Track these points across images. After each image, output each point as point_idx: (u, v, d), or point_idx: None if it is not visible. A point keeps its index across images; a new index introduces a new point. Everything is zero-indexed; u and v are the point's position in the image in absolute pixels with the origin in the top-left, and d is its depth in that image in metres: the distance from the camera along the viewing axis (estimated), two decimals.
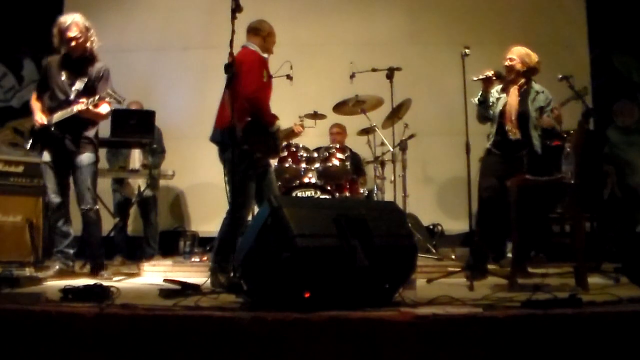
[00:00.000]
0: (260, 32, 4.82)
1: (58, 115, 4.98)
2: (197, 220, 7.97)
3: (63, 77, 5.07)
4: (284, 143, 6.44)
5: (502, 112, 5.00)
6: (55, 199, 5.07)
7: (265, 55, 4.83)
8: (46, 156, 5.07)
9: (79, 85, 5.05)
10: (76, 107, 4.93)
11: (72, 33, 5.00)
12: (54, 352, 2.91)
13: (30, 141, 5.08)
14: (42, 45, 8.19)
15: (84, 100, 4.94)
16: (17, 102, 8.23)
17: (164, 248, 7.13)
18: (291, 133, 4.95)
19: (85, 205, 5.07)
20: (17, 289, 3.92)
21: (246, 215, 4.67)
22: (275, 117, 4.73)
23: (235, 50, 4.32)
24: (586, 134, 4.48)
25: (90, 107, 4.94)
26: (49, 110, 5.05)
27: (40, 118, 5.03)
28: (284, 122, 5.47)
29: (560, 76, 4.82)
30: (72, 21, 5.02)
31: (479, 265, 4.76)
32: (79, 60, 5.10)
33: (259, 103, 4.57)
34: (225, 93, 4.59)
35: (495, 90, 5.06)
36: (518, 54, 5.03)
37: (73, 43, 5.02)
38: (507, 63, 5.04)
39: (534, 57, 5.03)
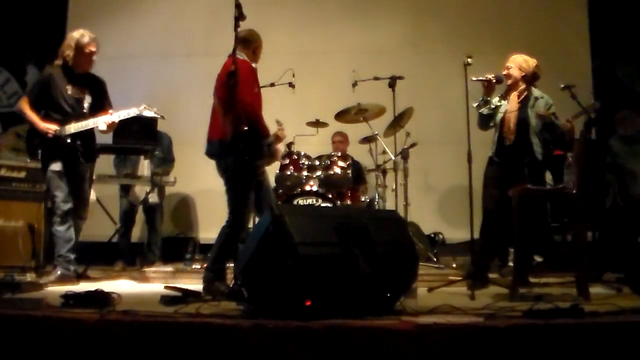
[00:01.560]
0: (251, 44, 4.76)
1: (75, 127, 5.11)
2: (199, 227, 7.97)
3: (69, 91, 5.18)
4: (283, 151, 6.47)
5: (503, 120, 5.02)
6: (64, 206, 5.10)
7: (254, 65, 4.76)
8: (56, 165, 5.10)
9: (88, 99, 5.24)
10: (104, 119, 5.14)
11: (93, 48, 5.22)
12: (55, 357, 2.91)
13: (40, 151, 5.10)
14: (46, 51, 8.27)
15: (111, 112, 5.19)
16: None
17: (165, 254, 7.13)
18: (276, 139, 4.96)
19: (83, 214, 5.32)
20: (18, 294, 3.93)
21: (246, 223, 4.68)
22: (268, 129, 4.71)
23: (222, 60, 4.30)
24: (588, 143, 4.47)
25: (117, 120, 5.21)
26: (56, 122, 5.10)
27: (52, 127, 5.06)
28: (286, 130, 5.48)
29: (563, 85, 4.84)
30: (91, 37, 5.22)
31: (480, 275, 4.76)
32: (81, 75, 5.25)
33: (255, 113, 4.54)
34: (215, 104, 4.61)
35: (498, 97, 5.08)
36: (515, 62, 5.08)
37: (94, 58, 5.25)
38: (504, 72, 5.08)
39: (532, 63, 5.05)
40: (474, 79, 4.90)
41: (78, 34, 5.21)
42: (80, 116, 5.17)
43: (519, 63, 5.05)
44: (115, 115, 5.19)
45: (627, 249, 5.55)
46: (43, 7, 8.31)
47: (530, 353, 2.79)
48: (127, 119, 5.57)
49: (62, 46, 5.25)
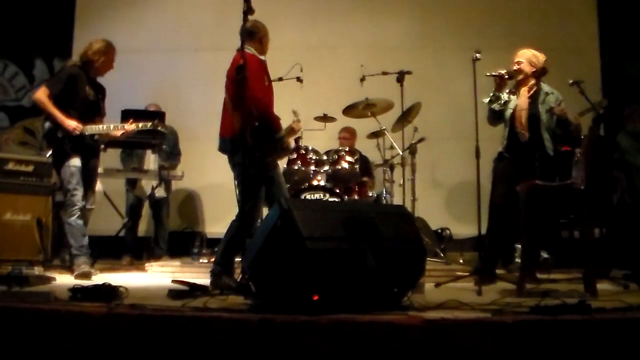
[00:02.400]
0: (256, 34, 4.65)
1: (94, 129, 5.29)
2: (206, 221, 7.98)
3: (87, 92, 5.33)
4: (292, 145, 6.47)
5: (513, 115, 5.00)
6: (81, 201, 5.23)
7: (263, 58, 4.69)
8: (76, 161, 5.21)
9: (101, 104, 5.47)
10: (126, 127, 5.39)
11: (113, 60, 5.46)
12: (62, 351, 2.92)
13: (68, 145, 5.20)
14: (54, 45, 8.29)
15: (131, 120, 5.46)
16: (28, 101, 8.25)
17: (172, 249, 7.15)
18: (291, 131, 4.93)
19: (92, 205, 5.50)
20: (27, 287, 3.95)
21: (257, 218, 4.67)
22: (280, 123, 4.67)
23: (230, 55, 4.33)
24: (596, 139, 4.45)
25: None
26: (74, 120, 5.19)
27: (80, 126, 5.17)
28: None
29: (571, 81, 4.82)
30: (114, 47, 5.43)
31: (487, 270, 4.75)
32: (93, 79, 5.44)
33: (266, 108, 4.49)
34: (226, 100, 4.60)
35: (506, 93, 5.07)
36: (524, 57, 5.05)
37: (111, 68, 5.48)
38: (515, 67, 5.05)
39: (541, 58, 5.03)
40: (487, 74, 4.89)
41: (106, 42, 5.40)
42: (96, 118, 5.37)
43: (528, 58, 5.03)
44: (135, 125, 5.41)
45: (635, 245, 5.53)
46: (51, 0, 8.33)
47: (538, 349, 2.79)
48: (133, 112, 5.67)
49: (90, 49, 5.36)
